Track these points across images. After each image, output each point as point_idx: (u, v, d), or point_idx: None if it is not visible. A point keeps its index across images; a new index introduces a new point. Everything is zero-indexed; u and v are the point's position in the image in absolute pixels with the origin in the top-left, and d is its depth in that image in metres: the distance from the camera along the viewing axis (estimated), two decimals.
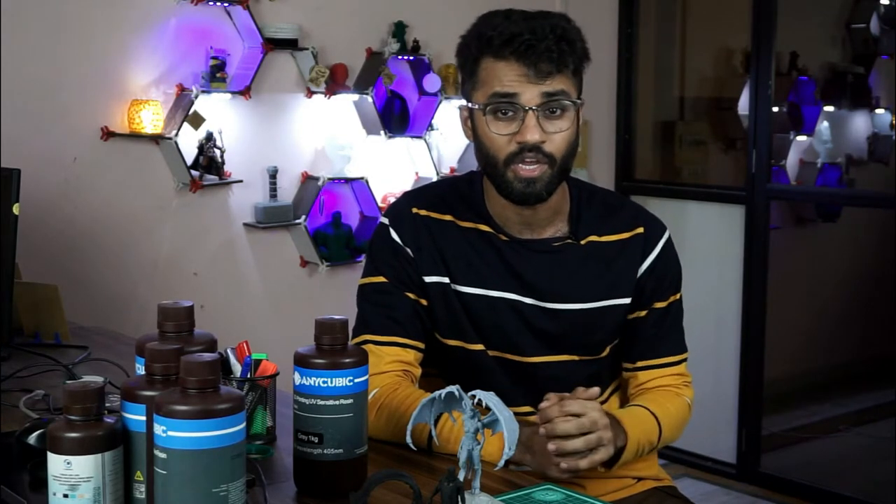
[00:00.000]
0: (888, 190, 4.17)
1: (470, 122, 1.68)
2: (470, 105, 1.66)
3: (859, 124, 5.02)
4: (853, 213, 4.76)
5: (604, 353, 1.75)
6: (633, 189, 4.18)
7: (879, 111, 4.99)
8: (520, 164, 1.60)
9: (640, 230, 1.75)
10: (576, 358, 1.72)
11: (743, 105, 4.21)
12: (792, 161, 4.74)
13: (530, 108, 1.58)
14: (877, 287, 4.77)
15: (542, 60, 1.57)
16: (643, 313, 1.75)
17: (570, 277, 1.70)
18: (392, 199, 3.50)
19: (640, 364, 1.77)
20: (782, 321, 4.21)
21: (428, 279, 1.70)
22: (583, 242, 1.72)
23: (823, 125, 4.81)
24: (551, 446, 1.50)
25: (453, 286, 1.69)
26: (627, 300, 1.73)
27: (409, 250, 1.70)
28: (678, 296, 1.78)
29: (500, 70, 1.59)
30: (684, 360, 1.80)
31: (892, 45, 4.81)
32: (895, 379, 4.26)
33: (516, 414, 1.67)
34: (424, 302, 1.71)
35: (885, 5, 4.81)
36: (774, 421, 4.18)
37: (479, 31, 1.62)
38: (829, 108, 4.85)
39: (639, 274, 1.73)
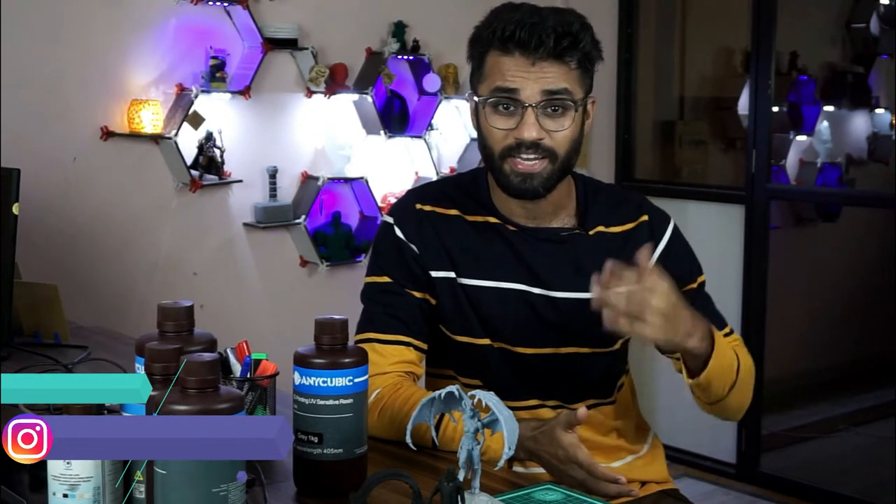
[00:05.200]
0: (888, 190, 4.16)
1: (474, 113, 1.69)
2: (475, 98, 1.66)
3: (859, 124, 5.02)
4: (853, 213, 4.76)
5: (616, 346, 1.74)
6: (632, 189, 4.18)
7: (879, 111, 4.99)
8: (517, 158, 1.60)
9: (645, 218, 1.75)
10: (585, 350, 1.71)
11: (743, 105, 4.21)
12: (792, 161, 4.74)
13: (529, 105, 1.58)
14: (877, 287, 4.77)
15: (544, 56, 1.57)
16: None
17: (578, 267, 1.69)
18: (392, 199, 3.51)
19: None
20: (782, 321, 4.21)
21: (435, 274, 1.69)
22: (591, 233, 1.72)
23: (823, 125, 4.81)
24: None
25: (459, 280, 1.69)
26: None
27: (413, 246, 1.70)
28: (703, 277, 1.77)
29: (503, 64, 1.60)
30: (732, 330, 1.77)
31: (891, 45, 4.81)
32: (895, 379, 4.26)
33: (525, 408, 1.69)
34: (433, 301, 1.70)
35: (884, 5, 4.81)
36: (774, 421, 4.18)
37: (488, 23, 1.63)
38: (828, 108, 4.85)
39: (653, 262, 1.72)
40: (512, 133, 1.60)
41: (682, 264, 1.74)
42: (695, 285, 1.75)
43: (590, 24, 1.64)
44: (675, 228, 1.77)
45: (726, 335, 1.74)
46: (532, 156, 1.60)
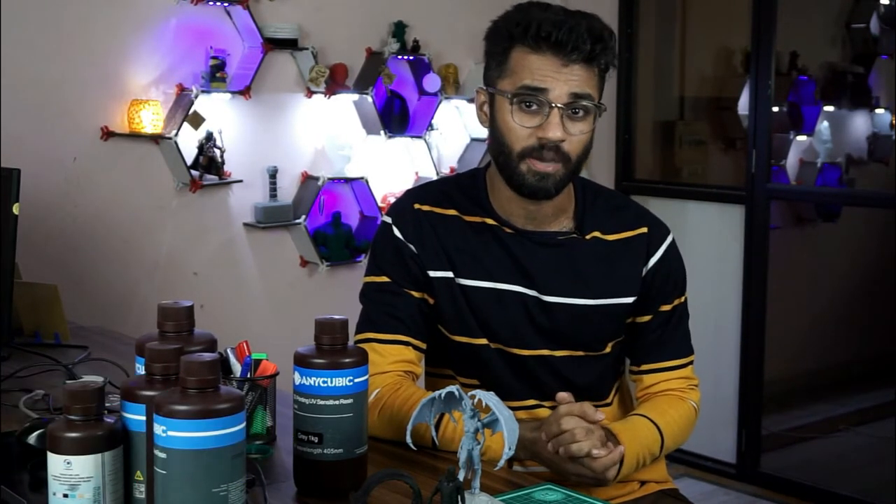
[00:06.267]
0: (888, 190, 4.17)
1: (487, 108, 1.67)
2: (493, 90, 1.65)
3: (859, 124, 5.02)
4: (853, 213, 4.76)
5: (606, 350, 1.75)
6: (633, 189, 4.18)
7: (879, 111, 4.99)
8: (536, 160, 1.60)
9: (644, 230, 1.74)
10: (578, 354, 1.72)
11: (743, 105, 4.21)
12: (792, 161, 4.74)
13: (556, 106, 1.58)
14: (877, 287, 4.77)
15: (577, 60, 1.58)
16: (648, 317, 1.74)
17: (573, 273, 1.69)
18: (392, 199, 3.51)
19: (644, 367, 1.77)
20: (782, 321, 4.21)
21: (433, 274, 1.70)
22: (587, 237, 1.72)
23: (823, 125, 4.82)
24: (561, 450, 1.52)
25: (457, 280, 1.69)
26: (631, 299, 1.72)
27: (412, 246, 1.70)
28: (683, 298, 1.78)
29: (532, 62, 1.59)
30: (690, 362, 1.79)
31: (891, 45, 4.81)
32: (895, 379, 4.26)
33: (523, 408, 1.69)
34: (431, 300, 1.71)
35: (885, 5, 4.81)
36: (774, 421, 4.18)
37: (516, 19, 1.61)
38: (828, 108, 4.85)
39: (643, 273, 1.72)
40: (535, 132, 1.60)
41: (665, 282, 1.74)
42: (668, 307, 1.75)
43: (613, 30, 1.65)
44: (672, 244, 1.76)
45: (684, 366, 1.77)
46: (552, 157, 1.60)
